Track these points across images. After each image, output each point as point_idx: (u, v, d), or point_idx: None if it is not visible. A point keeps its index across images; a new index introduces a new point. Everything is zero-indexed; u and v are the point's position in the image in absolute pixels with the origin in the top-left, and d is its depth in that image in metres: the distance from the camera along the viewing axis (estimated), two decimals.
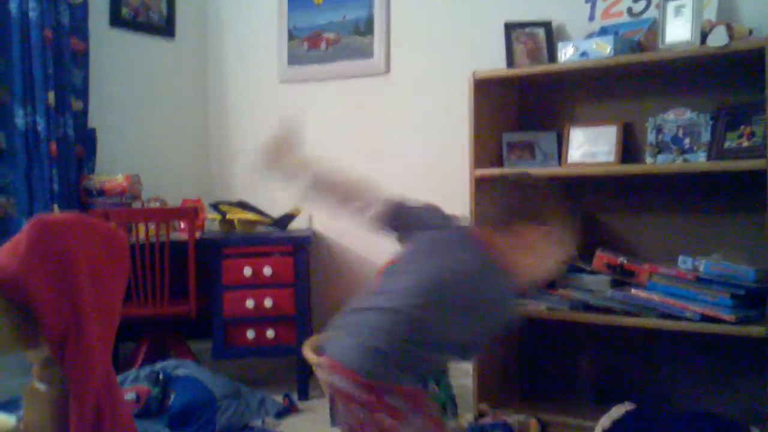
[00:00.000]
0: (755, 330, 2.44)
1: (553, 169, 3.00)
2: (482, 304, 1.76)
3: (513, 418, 2.74)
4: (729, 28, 2.49)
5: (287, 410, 3.23)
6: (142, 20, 4.05)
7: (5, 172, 3.41)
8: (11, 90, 3.40)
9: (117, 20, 3.94)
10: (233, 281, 3.42)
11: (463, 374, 3.25)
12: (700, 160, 2.65)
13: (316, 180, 2.01)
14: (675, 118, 2.73)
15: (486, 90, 2.98)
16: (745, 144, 2.58)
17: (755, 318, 2.49)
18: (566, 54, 2.84)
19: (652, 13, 2.88)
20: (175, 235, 3.51)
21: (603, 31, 2.89)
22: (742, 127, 2.61)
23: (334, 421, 3.00)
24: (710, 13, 2.69)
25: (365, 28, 3.76)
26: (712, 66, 2.75)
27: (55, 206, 3.42)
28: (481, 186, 2.95)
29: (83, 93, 3.69)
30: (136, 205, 3.64)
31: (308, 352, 3.28)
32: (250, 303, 3.39)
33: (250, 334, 3.42)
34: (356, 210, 2.09)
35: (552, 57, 3.04)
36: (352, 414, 1.68)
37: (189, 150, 4.28)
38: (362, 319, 1.77)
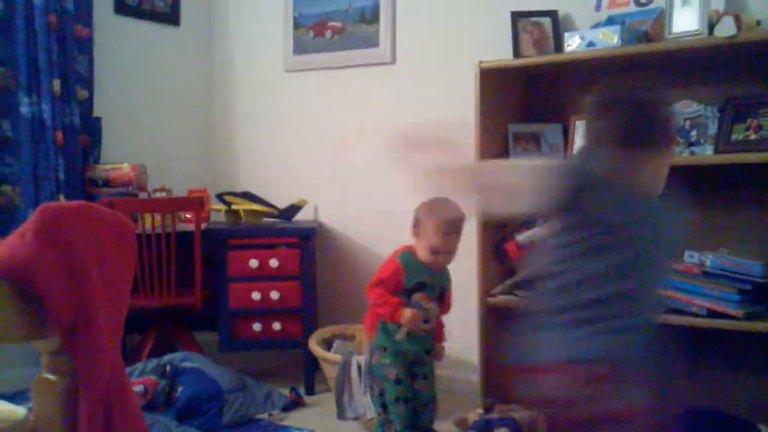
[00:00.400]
0: (762, 326, 2.43)
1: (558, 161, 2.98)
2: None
3: (520, 414, 2.73)
4: (737, 18, 2.45)
5: (294, 404, 3.23)
6: (147, 7, 4.03)
7: (10, 162, 3.41)
8: (16, 77, 3.40)
9: (122, 7, 3.93)
10: (239, 273, 3.42)
11: (469, 369, 3.26)
12: (706, 153, 2.63)
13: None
14: (681, 110, 2.70)
15: (492, 80, 2.96)
16: (753, 137, 2.56)
17: (762, 313, 2.47)
18: (573, 44, 2.81)
19: (659, 2, 2.83)
20: (181, 226, 3.51)
21: (610, 21, 2.86)
22: (749, 119, 2.58)
23: (340, 415, 3.03)
24: (718, 4, 2.65)
25: (371, 16, 3.73)
26: (719, 57, 2.71)
27: (61, 196, 3.43)
28: None
29: (88, 81, 3.68)
30: (142, 195, 3.63)
31: (314, 345, 3.30)
32: (256, 295, 3.39)
33: (257, 326, 3.42)
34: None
35: (558, 47, 3.02)
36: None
37: (194, 140, 4.28)
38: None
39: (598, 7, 3.00)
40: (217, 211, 3.81)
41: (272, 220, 3.73)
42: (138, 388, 2.98)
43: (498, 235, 3.01)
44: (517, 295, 2.94)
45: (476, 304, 2.96)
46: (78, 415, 1.48)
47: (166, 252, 3.31)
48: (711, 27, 2.52)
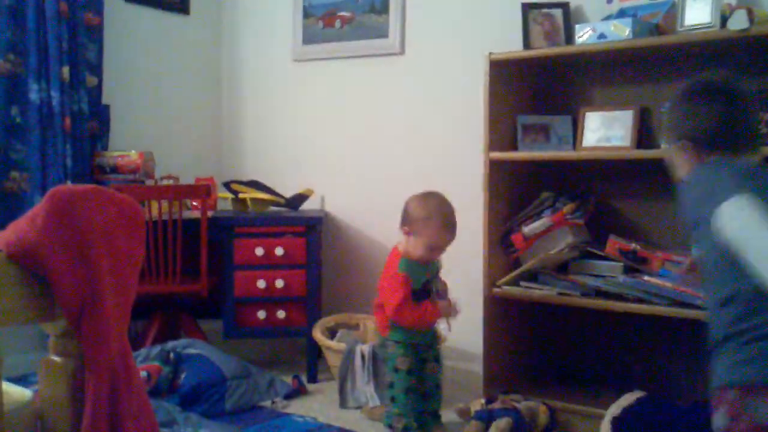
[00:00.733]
0: None
1: (567, 153, 2.97)
2: None
3: (522, 404, 2.73)
4: (750, 12, 2.44)
5: (296, 391, 3.24)
6: None
7: (19, 148, 3.41)
8: (26, 64, 3.40)
9: None
10: (245, 261, 3.42)
11: (472, 359, 3.26)
12: None
13: None
14: None
15: (502, 71, 2.95)
16: (764, 131, 2.54)
17: None
18: (584, 36, 2.80)
19: None
20: (188, 214, 3.51)
21: (621, 13, 2.85)
22: (760, 113, 2.56)
23: (343, 403, 3.04)
24: None
25: (381, 6, 3.72)
26: (730, 51, 2.70)
27: (68, 182, 3.43)
28: (495, 169, 2.93)
29: (97, 68, 3.68)
30: (149, 182, 3.64)
31: (318, 334, 3.30)
32: (261, 283, 3.39)
33: (261, 314, 3.42)
34: None
35: (569, 39, 3.00)
36: None
37: (202, 128, 4.28)
38: None
39: (609, 0, 2.99)
40: (224, 200, 3.82)
41: (278, 209, 3.73)
42: (142, 373, 2.99)
43: (504, 226, 3.01)
44: (522, 287, 2.94)
45: (481, 295, 2.95)
46: (84, 397, 1.48)
47: (172, 239, 3.31)
48: (723, 20, 2.50)
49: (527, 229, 2.93)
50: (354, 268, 3.82)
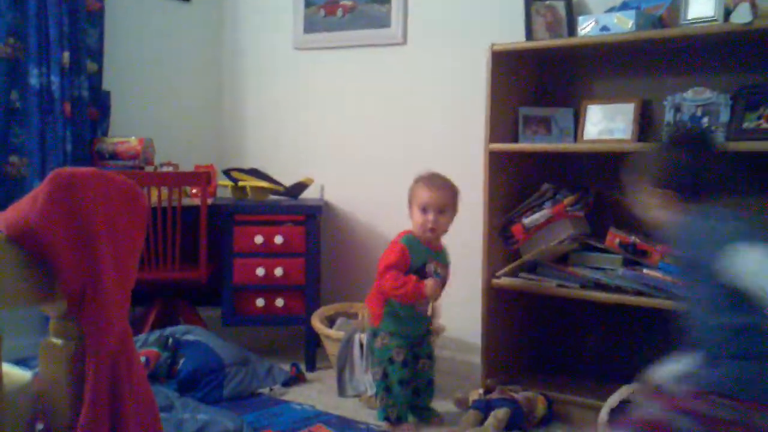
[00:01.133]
0: None
1: (568, 145, 2.97)
2: None
3: (520, 395, 2.74)
4: (753, 5, 2.43)
5: (294, 379, 3.24)
6: None
7: (18, 132, 3.40)
8: (26, 48, 3.39)
9: None
10: (244, 248, 3.42)
11: (471, 350, 3.27)
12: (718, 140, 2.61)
13: None
14: (694, 96, 2.68)
15: (504, 63, 2.94)
16: (765, 125, 2.54)
17: None
18: (586, 28, 2.79)
19: None
20: (187, 201, 3.51)
21: (624, 6, 2.84)
22: (761, 108, 2.57)
23: (341, 392, 3.05)
24: None
25: None
26: (734, 44, 2.70)
27: (67, 168, 3.42)
28: (496, 160, 2.93)
29: (98, 54, 3.67)
30: (149, 169, 3.63)
31: (317, 323, 3.30)
32: (260, 271, 3.39)
33: (260, 302, 3.43)
34: None
35: (572, 31, 3.00)
36: None
37: (202, 115, 4.27)
38: None
39: None
40: (224, 187, 3.81)
41: (278, 197, 3.73)
42: (140, 359, 3.00)
43: (504, 217, 3.01)
44: (521, 278, 2.94)
45: (480, 286, 2.96)
46: (84, 379, 1.49)
47: (171, 226, 3.31)
48: (727, 13, 2.50)
49: (527, 221, 2.93)
50: (353, 258, 3.82)
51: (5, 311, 1.46)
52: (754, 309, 1.61)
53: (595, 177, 3.06)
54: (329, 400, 3.03)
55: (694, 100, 2.68)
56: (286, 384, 3.19)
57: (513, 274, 2.96)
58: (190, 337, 3.22)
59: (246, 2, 4.24)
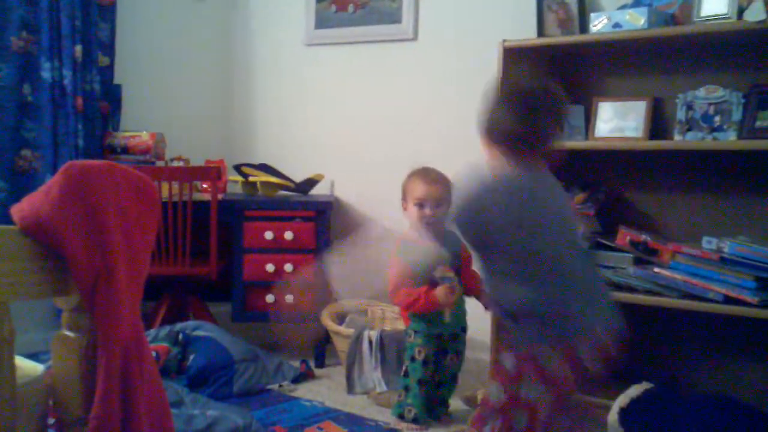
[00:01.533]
0: None
1: (579, 143, 2.96)
2: None
3: None
4: (767, 3, 2.42)
5: (304, 376, 3.25)
6: None
7: (30, 126, 3.42)
8: (38, 42, 3.40)
9: None
10: (254, 244, 3.43)
11: (481, 348, 3.26)
12: (730, 139, 2.60)
13: None
14: (706, 95, 2.67)
15: (515, 59, 2.93)
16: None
17: None
18: (598, 25, 2.78)
19: None
20: (198, 196, 3.52)
21: (637, 3, 2.83)
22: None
23: (350, 389, 3.05)
24: None
25: None
26: (747, 42, 2.68)
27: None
28: None
29: (110, 48, 3.68)
30: (160, 163, 3.64)
31: (327, 319, 3.30)
32: (270, 267, 3.40)
33: (269, 298, 3.43)
34: None
35: (583, 28, 2.99)
36: None
37: (213, 110, 4.28)
38: None
39: None
40: (234, 182, 3.82)
41: (288, 193, 3.73)
42: (151, 353, 3.00)
43: None
44: None
45: None
46: (96, 372, 1.49)
47: (182, 221, 3.32)
48: (740, 11, 2.49)
49: None
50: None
51: (18, 305, 1.46)
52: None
53: (605, 175, 3.05)
54: (338, 396, 3.03)
55: (707, 98, 2.67)
56: (296, 380, 3.19)
57: None
58: (200, 333, 3.22)
59: None
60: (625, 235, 2.80)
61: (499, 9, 3.36)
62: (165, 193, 3.30)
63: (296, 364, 3.29)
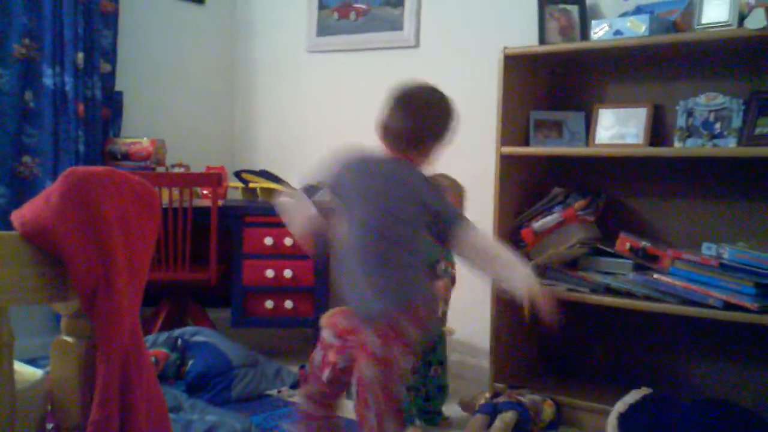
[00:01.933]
0: None
1: (579, 149, 2.96)
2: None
3: (527, 398, 2.73)
4: None
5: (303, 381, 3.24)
6: None
7: (32, 132, 3.42)
8: (41, 49, 3.41)
9: None
10: (254, 250, 3.43)
11: (479, 354, 3.26)
12: (730, 146, 2.60)
13: None
14: (706, 102, 2.67)
15: (516, 66, 2.94)
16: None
17: None
18: (599, 32, 2.79)
19: None
20: (198, 202, 3.52)
21: (638, 10, 2.83)
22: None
23: (348, 395, 3.04)
24: None
25: None
26: (747, 49, 2.68)
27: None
28: (507, 163, 2.93)
29: (112, 55, 3.69)
30: (160, 170, 3.65)
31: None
32: (269, 273, 3.40)
33: (269, 303, 3.43)
34: None
35: (585, 35, 2.99)
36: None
37: (214, 117, 4.29)
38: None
39: None
40: (235, 189, 3.82)
41: None
42: (150, 359, 3.00)
43: (514, 221, 3.00)
44: None
45: (490, 289, 2.95)
46: (95, 378, 1.49)
47: (182, 227, 3.32)
48: (741, 18, 2.49)
49: (537, 225, 2.92)
50: None
51: (18, 311, 1.46)
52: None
53: (606, 181, 3.05)
54: None
55: (707, 106, 2.67)
56: (295, 386, 3.18)
57: None
58: (199, 338, 3.22)
59: (259, 5, 4.25)
60: (624, 242, 2.80)
61: (501, 16, 3.37)
62: (165, 199, 3.31)
63: (295, 369, 3.29)
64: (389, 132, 2.12)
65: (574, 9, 3.03)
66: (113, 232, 1.48)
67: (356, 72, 3.87)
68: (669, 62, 2.90)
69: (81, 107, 3.47)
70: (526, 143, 3.04)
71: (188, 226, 3.33)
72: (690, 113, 2.70)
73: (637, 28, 2.68)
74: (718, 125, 2.64)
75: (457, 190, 2.72)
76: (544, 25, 3.06)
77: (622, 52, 2.84)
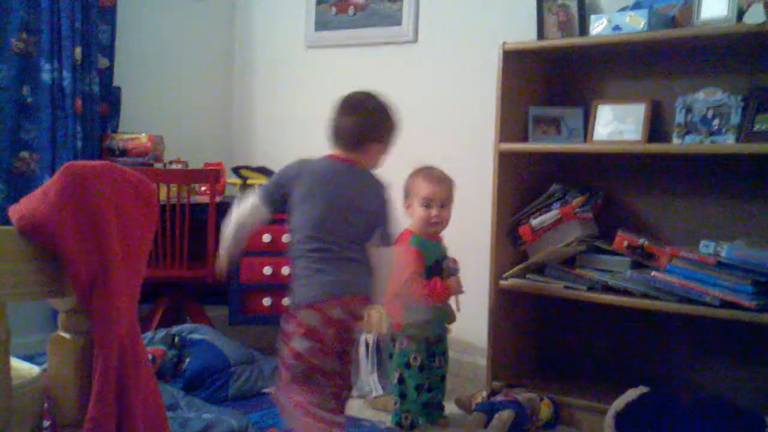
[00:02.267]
0: None
1: (577, 146, 2.96)
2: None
3: (525, 397, 2.73)
4: (767, 6, 2.42)
5: None
6: None
7: (29, 128, 3.41)
8: (38, 43, 3.40)
9: None
10: (251, 247, 3.40)
11: (477, 352, 3.26)
12: (728, 142, 2.60)
13: None
14: (705, 98, 2.67)
15: (515, 62, 2.93)
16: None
17: None
18: (598, 27, 2.78)
19: None
20: (196, 198, 3.51)
21: (637, 5, 2.82)
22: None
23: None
24: None
25: None
26: (746, 45, 2.68)
27: None
28: (505, 160, 2.93)
29: (109, 50, 3.68)
30: (158, 166, 3.63)
31: None
32: (267, 270, 3.40)
33: (267, 301, 3.43)
34: None
35: (583, 30, 2.98)
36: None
37: (212, 113, 4.28)
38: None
39: None
40: (233, 185, 3.81)
41: None
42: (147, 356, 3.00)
43: (512, 218, 3.00)
44: (529, 280, 2.94)
45: (488, 287, 2.95)
46: (92, 375, 1.48)
47: (179, 223, 3.31)
48: (740, 14, 2.48)
49: (535, 222, 2.92)
50: None
51: (14, 307, 1.45)
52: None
53: (604, 178, 3.04)
54: None
55: (706, 102, 2.66)
56: None
57: (520, 275, 2.95)
58: (196, 336, 3.21)
59: (258, 0, 4.23)
60: (622, 239, 2.80)
61: (499, 11, 3.36)
62: (163, 195, 3.30)
63: None
64: (337, 133, 2.39)
65: (572, 4, 3.02)
66: (111, 228, 1.47)
67: (355, 66, 3.86)
68: (668, 58, 2.89)
69: (79, 102, 3.46)
70: (525, 140, 3.03)
71: (186, 223, 3.32)
72: (689, 109, 2.69)
73: (636, 23, 2.67)
74: (716, 122, 2.64)
75: (447, 182, 2.71)
76: (542, 20, 3.06)
77: (621, 48, 2.83)
